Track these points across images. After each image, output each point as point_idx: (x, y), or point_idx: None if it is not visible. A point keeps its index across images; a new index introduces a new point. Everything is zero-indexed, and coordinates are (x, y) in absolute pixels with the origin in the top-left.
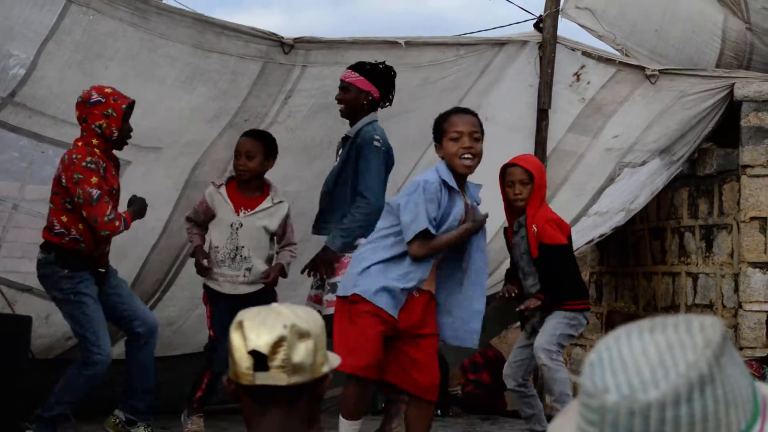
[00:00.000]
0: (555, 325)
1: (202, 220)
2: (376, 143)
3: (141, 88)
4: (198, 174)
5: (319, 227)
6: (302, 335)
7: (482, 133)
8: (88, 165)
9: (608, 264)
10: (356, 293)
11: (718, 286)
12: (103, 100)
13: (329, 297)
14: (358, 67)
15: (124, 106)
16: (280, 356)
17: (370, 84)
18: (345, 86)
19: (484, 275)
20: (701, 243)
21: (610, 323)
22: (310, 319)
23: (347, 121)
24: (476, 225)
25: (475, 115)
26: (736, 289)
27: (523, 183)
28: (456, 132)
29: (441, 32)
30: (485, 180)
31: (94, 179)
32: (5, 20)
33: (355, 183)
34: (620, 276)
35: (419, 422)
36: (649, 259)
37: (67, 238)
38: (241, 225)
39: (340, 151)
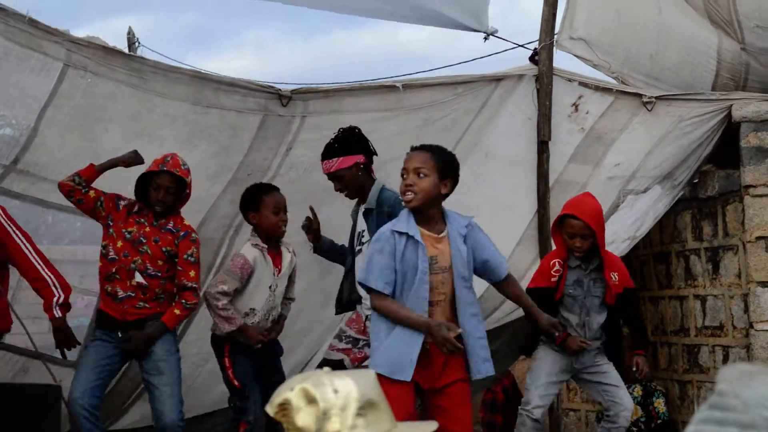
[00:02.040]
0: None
1: (241, 287)
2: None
3: (142, 149)
4: (204, 232)
5: None
6: (310, 400)
7: (436, 168)
8: None
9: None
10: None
11: (727, 307)
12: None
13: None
14: (329, 152)
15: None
16: (287, 418)
17: (350, 157)
18: (334, 177)
19: (474, 306)
20: (707, 265)
21: None
22: (344, 387)
23: None
24: (436, 334)
25: (432, 149)
26: (746, 310)
27: (584, 237)
28: (403, 170)
29: (412, 65)
30: (487, 214)
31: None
32: (4, 87)
33: None
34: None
35: None
36: (655, 283)
37: None
38: (277, 286)
39: (363, 225)
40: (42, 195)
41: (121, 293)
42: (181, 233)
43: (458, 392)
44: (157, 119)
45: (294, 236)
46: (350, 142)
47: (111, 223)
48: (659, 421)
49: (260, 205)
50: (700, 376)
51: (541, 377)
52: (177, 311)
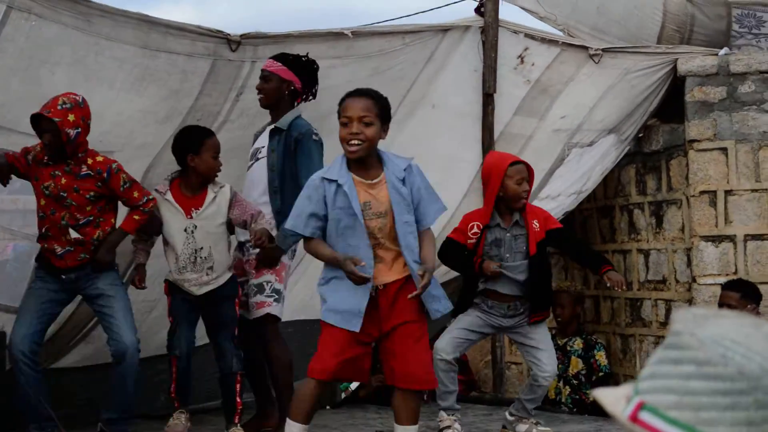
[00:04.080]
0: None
1: (153, 232)
2: (315, 137)
3: (89, 93)
4: (151, 176)
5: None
6: None
7: (380, 116)
8: None
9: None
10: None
11: (670, 261)
12: None
13: (257, 299)
14: (280, 57)
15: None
16: None
17: (291, 74)
18: (266, 75)
19: (415, 252)
20: (651, 219)
21: (558, 302)
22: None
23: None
24: (344, 268)
25: (372, 95)
26: (689, 264)
27: (528, 181)
28: (345, 117)
29: (353, 21)
30: (435, 166)
31: None
32: None
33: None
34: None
35: (402, 411)
36: (598, 237)
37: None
38: (196, 227)
39: (265, 142)
40: None
41: (59, 249)
42: (104, 174)
43: (406, 334)
44: (105, 62)
45: (243, 183)
46: (302, 66)
47: (34, 181)
48: (600, 374)
49: (201, 148)
50: (643, 330)
51: (456, 325)
52: (136, 216)
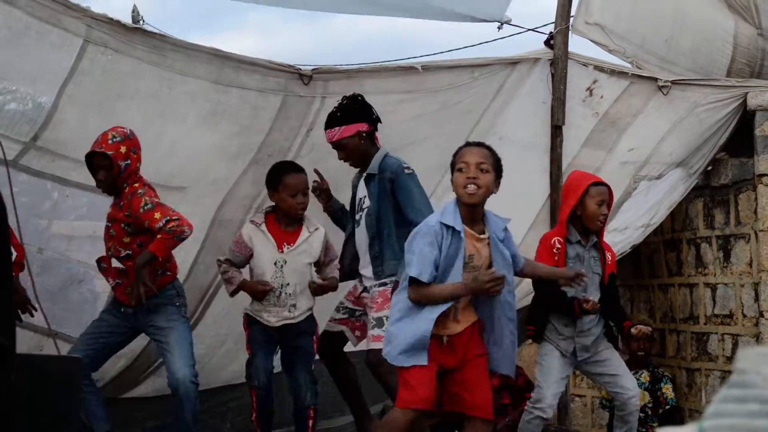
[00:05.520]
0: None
1: (240, 261)
2: (407, 170)
3: (163, 127)
4: (224, 212)
5: (378, 273)
6: None
7: (495, 167)
8: None
9: (622, 277)
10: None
11: (737, 296)
12: None
13: (375, 332)
14: (332, 121)
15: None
16: None
17: (352, 125)
18: (336, 146)
19: (513, 310)
20: (719, 253)
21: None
22: None
23: None
24: (477, 286)
25: (488, 147)
26: (757, 299)
27: (607, 205)
28: (462, 163)
29: (414, 51)
30: (502, 198)
31: None
32: (24, 63)
33: (398, 218)
34: (635, 289)
35: None
36: (665, 270)
37: None
38: (286, 262)
39: (364, 191)
40: (61, 173)
41: (111, 282)
42: (128, 197)
43: (476, 365)
44: (178, 97)
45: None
46: (352, 111)
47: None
48: (667, 407)
49: (279, 186)
50: (709, 364)
51: (552, 375)
52: (159, 235)
